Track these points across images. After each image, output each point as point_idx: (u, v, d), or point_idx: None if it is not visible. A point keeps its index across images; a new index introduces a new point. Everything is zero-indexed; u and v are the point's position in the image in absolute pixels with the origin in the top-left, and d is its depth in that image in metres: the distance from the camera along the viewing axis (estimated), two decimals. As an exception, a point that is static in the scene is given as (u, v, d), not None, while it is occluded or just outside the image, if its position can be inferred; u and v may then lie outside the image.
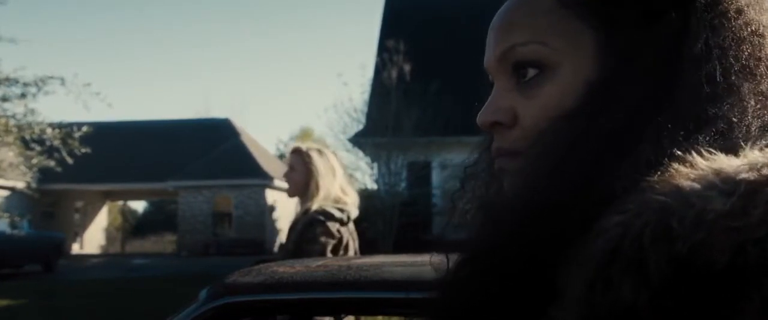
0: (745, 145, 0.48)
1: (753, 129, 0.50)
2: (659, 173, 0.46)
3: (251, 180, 25.31)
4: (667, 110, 0.50)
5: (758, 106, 0.51)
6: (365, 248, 3.04)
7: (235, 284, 1.80)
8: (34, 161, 13.61)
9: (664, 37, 0.52)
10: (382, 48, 17.45)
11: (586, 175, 0.49)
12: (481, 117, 0.60)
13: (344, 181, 2.90)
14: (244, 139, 28.24)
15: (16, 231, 16.13)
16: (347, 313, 2.24)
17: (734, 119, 0.50)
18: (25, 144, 13.28)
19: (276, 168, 26.14)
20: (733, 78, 0.51)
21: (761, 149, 0.48)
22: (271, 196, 25.87)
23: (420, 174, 16.91)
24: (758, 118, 0.51)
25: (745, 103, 0.51)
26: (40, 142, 13.11)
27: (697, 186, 0.43)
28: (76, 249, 28.51)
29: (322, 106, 54.23)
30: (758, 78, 0.52)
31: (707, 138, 0.49)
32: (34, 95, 12.48)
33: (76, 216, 29.51)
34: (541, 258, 0.48)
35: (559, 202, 0.48)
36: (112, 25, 71.84)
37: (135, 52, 74.80)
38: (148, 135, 28.77)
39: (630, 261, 0.40)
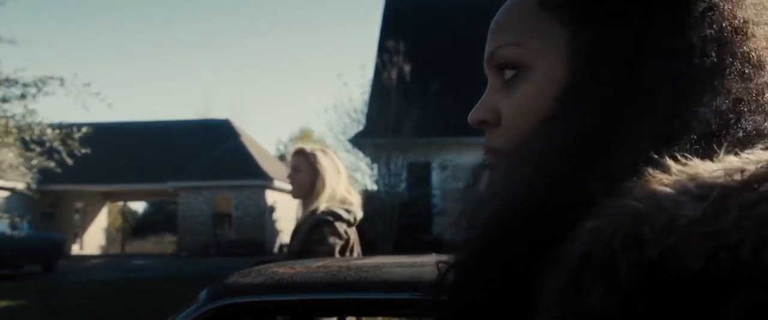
0: (722, 147, 0.47)
1: (733, 130, 0.49)
2: (636, 177, 0.45)
3: (251, 180, 25.33)
4: (643, 112, 0.49)
5: (740, 106, 0.50)
6: (365, 249, 3.04)
7: (235, 285, 1.80)
8: (34, 162, 13.61)
9: (630, 37, 0.51)
10: (382, 48, 17.45)
11: (561, 179, 0.49)
12: (471, 115, 0.62)
13: (348, 182, 2.90)
14: (244, 139, 28.26)
15: (16, 232, 16.14)
16: (347, 314, 2.24)
17: (712, 120, 0.49)
18: (25, 145, 13.27)
19: (276, 169, 26.17)
20: (709, 77, 0.50)
21: (741, 151, 0.47)
22: (271, 197, 25.88)
23: (420, 174, 16.90)
24: (740, 119, 0.49)
25: (725, 103, 0.49)
26: (40, 142, 13.11)
27: (671, 191, 0.42)
28: (76, 249, 28.52)
29: (322, 107, 54.26)
30: (737, 76, 0.50)
31: (685, 140, 0.48)
32: (33, 96, 12.51)
33: (76, 216, 29.52)
34: (522, 263, 0.47)
35: (537, 207, 0.48)
36: (112, 25, 72.04)
37: (135, 52, 75.03)
38: (148, 135, 28.79)
39: (602, 267, 0.40)
